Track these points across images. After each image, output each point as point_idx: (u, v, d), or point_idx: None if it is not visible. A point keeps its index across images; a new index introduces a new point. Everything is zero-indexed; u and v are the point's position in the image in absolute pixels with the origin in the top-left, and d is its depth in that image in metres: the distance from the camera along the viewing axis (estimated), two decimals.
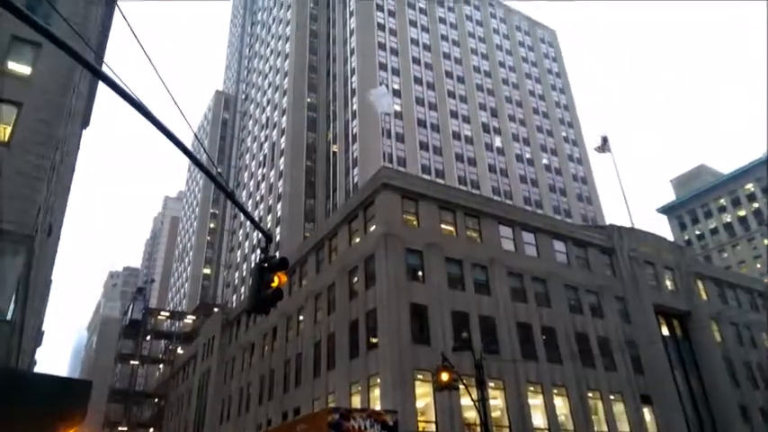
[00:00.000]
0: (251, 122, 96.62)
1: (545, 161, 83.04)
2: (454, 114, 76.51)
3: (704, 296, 46.62)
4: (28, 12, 6.39)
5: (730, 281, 51.30)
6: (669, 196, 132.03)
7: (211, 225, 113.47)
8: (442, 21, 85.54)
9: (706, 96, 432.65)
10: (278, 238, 68.12)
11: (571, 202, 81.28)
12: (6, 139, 19.73)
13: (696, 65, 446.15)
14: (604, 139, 48.74)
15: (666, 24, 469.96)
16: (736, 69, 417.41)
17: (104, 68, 7.86)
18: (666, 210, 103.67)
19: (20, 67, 22.38)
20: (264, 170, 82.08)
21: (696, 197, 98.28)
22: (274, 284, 9.58)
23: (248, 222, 74.42)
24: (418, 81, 75.55)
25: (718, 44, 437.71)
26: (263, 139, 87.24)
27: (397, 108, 70.43)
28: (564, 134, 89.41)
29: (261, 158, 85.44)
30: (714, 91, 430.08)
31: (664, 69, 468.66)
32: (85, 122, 41.77)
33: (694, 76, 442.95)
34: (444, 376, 20.76)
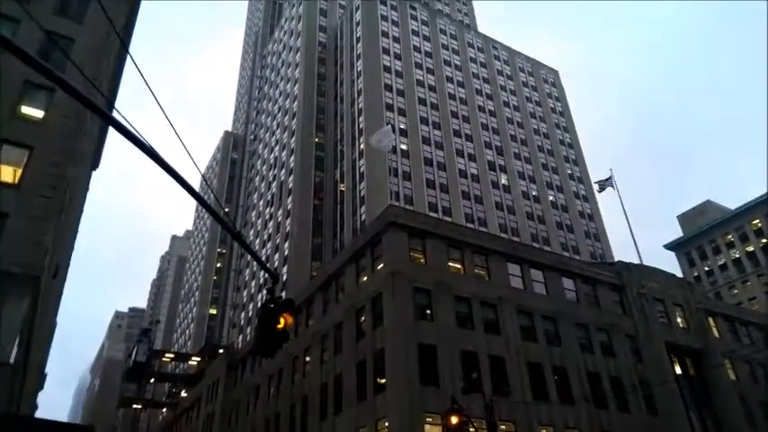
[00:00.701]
0: (259, 162, 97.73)
1: (551, 198, 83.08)
2: (460, 153, 77.13)
3: (716, 333, 45.64)
4: (40, 60, 6.52)
5: (742, 318, 50.30)
6: (676, 232, 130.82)
7: (218, 264, 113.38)
8: (447, 63, 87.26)
9: (708, 132, 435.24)
10: (284, 277, 67.83)
11: (579, 239, 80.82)
12: (17, 181, 19.98)
13: (698, 101, 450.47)
14: (608, 178, 48.77)
15: (670, 62, 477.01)
16: (738, 106, 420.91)
17: (115, 113, 7.98)
18: (674, 246, 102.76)
19: (33, 111, 22.88)
20: (272, 209, 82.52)
21: (703, 233, 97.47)
22: (280, 325, 9.43)
23: (255, 262, 74.37)
24: (424, 121, 76.54)
25: (721, 82, 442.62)
26: (270, 178, 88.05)
27: (404, 147, 71.16)
28: (569, 171, 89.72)
29: (269, 197, 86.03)
30: (716, 126, 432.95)
31: (666, 105, 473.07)
32: (95, 164, 42.36)
33: (696, 111, 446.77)
34: (454, 419, 20.21)
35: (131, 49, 36.06)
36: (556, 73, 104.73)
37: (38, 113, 22.75)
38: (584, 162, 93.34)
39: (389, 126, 66.25)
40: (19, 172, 20.00)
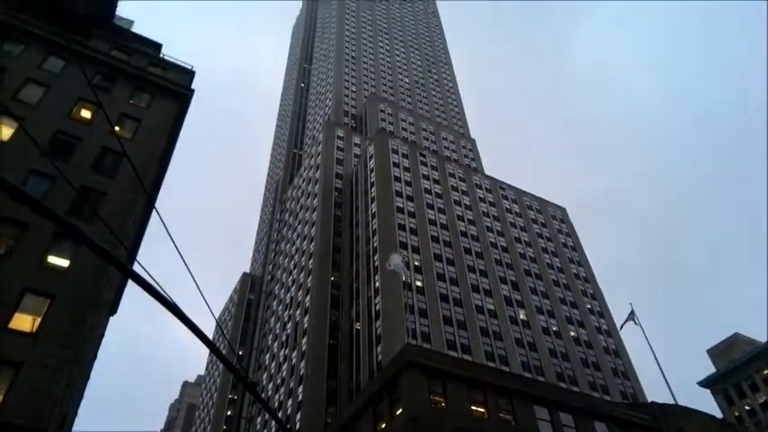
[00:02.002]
0: (275, 302, 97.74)
1: (573, 333, 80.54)
2: (476, 288, 76.75)
3: None
4: (65, 217, 6.99)
5: None
6: (705, 366, 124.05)
7: (228, 412, 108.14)
8: (457, 203, 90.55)
9: (728, 264, 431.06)
10: (298, 425, 64.23)
11: (607, 377, 76.77)
12: (34, 330, 20.11)
13: (707, 221, 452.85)
14: (630, 313, 47.65)
15: (676, 200, 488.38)
16: (738, 227, 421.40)
17: (136, 266, 8.33)
18: (708, 383, 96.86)
19: (59, 261, 23.72)
20: (286, 351, 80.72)
21: (737, 369, 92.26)
22: None
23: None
24: (438, 258, 77.43)
25: (731, 213, 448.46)
26: (286, 318, 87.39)
27: (419, 284, 71.19)
28: (588, 306, 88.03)
29: (283, 339, 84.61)
30: (734, 258, 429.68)
31: (680, 240, 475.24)
32: (113, 310, 42.72)
33: (710, 245, 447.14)
34: None
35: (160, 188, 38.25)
36: (563, 210, 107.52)
37: (63, 263, 23.58)
38: (602, 296, 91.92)
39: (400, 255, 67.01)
40: (38, 321, 20.23)
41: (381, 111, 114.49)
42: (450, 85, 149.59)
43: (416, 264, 73.94)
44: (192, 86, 37.92)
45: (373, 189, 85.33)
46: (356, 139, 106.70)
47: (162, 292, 7.46)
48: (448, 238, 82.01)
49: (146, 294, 7.68)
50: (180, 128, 36.96)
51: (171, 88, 35.96)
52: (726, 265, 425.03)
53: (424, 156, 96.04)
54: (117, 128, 32.06)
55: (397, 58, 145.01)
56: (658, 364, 45.22)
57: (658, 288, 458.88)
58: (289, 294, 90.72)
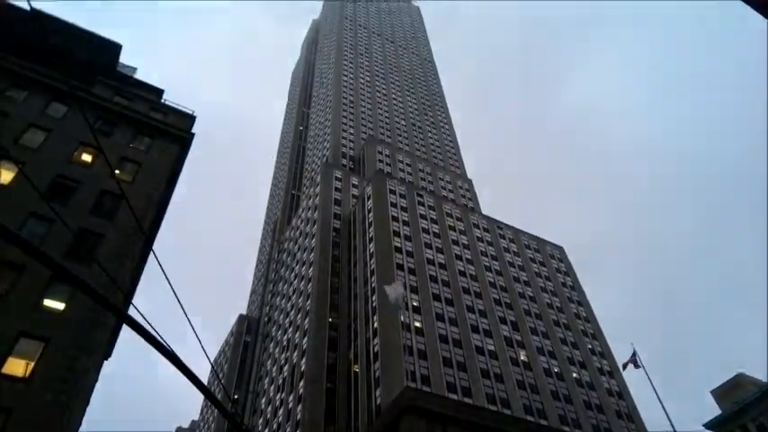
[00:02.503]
0: (272, 345, 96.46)
1: (575, 375, 79.27)
2: (475, 329, 75.99)
3: None
4: (59, 261, 7.08)
5: None
6: (710, 406, 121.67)
7: None
8: (455, 242, 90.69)
9: (729, 303, 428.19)
10: None
11: (611, 419, 75.14)
12: (27, 374, 19.87)
13: (700, 259, 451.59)
14: (632, 354, 47.10)
15: (677, 242, 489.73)
16: (739, 263, 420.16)
17: (132, 309, 8.39)
18: (716, 425, 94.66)
19: (54, 303, 23.65)
20: (283, 395, 79.13)
21: (744, 410, 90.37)
22: None
23: None
24: (437, 298, 76.98)
25: (732, 251, 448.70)
26: (282, 361, 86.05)
27: (418, 324, 70.52)
28: (590, 346, 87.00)
29: (280, 382, 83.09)
30: (736, 297, 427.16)
31: (680, 279, 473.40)
32: (107, 353, 42.14)
33: (711, 285, 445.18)
34: None
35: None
36: (561, 249, 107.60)
37: (59, 306, 23.50)
38: (602, 336, 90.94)
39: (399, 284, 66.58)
40: (31, 366, 20.01)
41: (379, 152, 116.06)
42: (447, 127, 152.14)
43: (415, 304, 73.48)
44: (193, 130, 38.62)
45: (371, 229, 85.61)
46: (354, 180, 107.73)
47: (157, 336, 7.49)
48: (446, 278, 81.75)
49: (133, 336, 7.70)
50: (180, 171, 37.42)
51: (171, 132, 36.63)
52: (727, 303, 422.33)
53: (421, 196, 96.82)
54: (117, 171, 32.48)
55: (394, 102, 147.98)
56: (663, 407, 44.37)
57: (659, 327, 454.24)
58: (286, 336, 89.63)
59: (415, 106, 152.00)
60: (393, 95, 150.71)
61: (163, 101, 40.66)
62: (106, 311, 25.86)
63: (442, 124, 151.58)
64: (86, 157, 32.49)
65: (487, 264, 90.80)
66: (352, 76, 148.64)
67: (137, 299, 35.21)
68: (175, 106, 40.12)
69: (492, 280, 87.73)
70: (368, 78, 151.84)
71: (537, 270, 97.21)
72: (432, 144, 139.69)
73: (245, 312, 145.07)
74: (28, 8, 35.09)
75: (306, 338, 79.28)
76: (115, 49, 38.80)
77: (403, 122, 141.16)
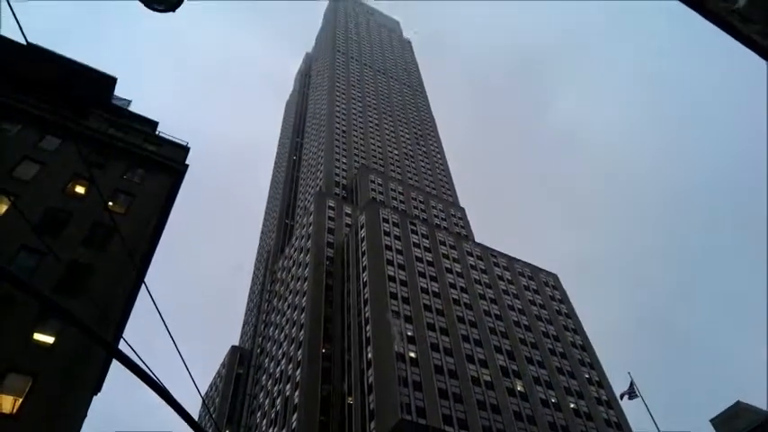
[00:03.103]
0: (264, 377, 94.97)
1: (572, 405, 78.37)
2: (471, 359, 75.27)
3: None
4: (47, 295, 7.09)
5: None
6: None
7: None
8: (449, 270, 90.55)
9: (727, 329, 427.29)
10: None
11: None
12: (15, 411, 19.49)
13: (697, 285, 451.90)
14: (630, 384, 46.73)
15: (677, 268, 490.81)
16: (737, 284, 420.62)
17: (122, 343, 8.34)
18: None
19: (44, 337, 23.35)
20: (276, 429, 77.56)
21: None
22: None
23: None
24: (431, 327, 76.42)
25: (729, 275, 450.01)
26: (275, 393, 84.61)
27: (413, 355, 69.80)
28: (587, 376, 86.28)
29: (272, 416, 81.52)
30: (733, 323, 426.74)
31: (677, 303, 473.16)
32: (97, 388, 41.34)
33: (710, 308, 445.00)
34: None
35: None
36: (555, 276, 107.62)
37: (48, 339, 23.19)
38: (599, 365, 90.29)
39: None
40: (19, 401, 19.63)
41: (372, 181, 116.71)
42: (438, 155, 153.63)
43: (409, 334, 72.87)
44: (186, 161, 38.81)
45: (364, 258, 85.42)
46: (347, 209, 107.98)
47: (147, 371, 7.43)
48: (441, 307, 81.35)
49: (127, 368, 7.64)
50: (173, 202, 37.44)
51: (165, 164, 36.80)
52: (725, 329, 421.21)
53: (414, 224, 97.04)
54: (110, 203, 32.48)
55: (386, 132, 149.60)
56: None
57: (656, 352, 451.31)
58: (279, 368, 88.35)
59: (407, 136, 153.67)
60: (385, 125, 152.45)
61: (157, 132, 40.94)
62: (96, 345, 25.55)
63: (433, 153, 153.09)
64: (79, 189, 32.51)
65: (482, 292, 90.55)
66: (344, 106, 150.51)
67: (127, 329, 34.77)
68: (169, 138, 40.40)
69: (487, 308, 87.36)
70: (360, 109, 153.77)
71: (531, 298, 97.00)
72: (424, 173, 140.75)
73: (237, 343, 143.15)
74: (24, 42, 35.56)
75: (299, 370, 78.20)
76: (110, 82, 39.22)
77: (395, 152, 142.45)
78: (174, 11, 6.48)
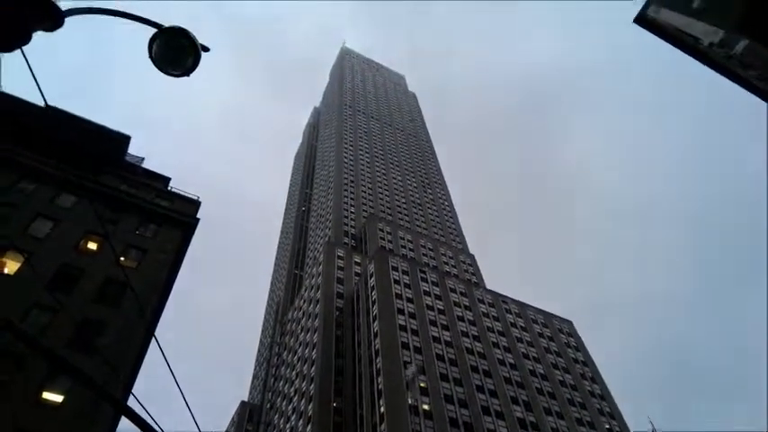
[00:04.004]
0: None
1: None
2: (486, 411, 73.07)
3: None
4: (62, 356, 7.14)
5: None
6: None
7: None
8: (461, 319, 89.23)
9: (754, 367, 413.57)
10: None
11: None
12: None
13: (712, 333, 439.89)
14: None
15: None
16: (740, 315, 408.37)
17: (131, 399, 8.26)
18: None
19: (52, 396, 23.09)
20: None
21: None
22: None
23: None
24: (444, 378, 74.67)
25: (753, 310, 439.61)
26: None
27: (426, 407, 67.93)
28: (607, 426, 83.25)
29: None
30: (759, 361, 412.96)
31: (698, 344, 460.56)
32: None
33: (736, 345, 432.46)
34: None
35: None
36: (570, 323, 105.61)
37: (57, 398, 22.93)
38: (620, 414, 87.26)
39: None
40: None
41: (380, 230, 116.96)
42: (446, 203, 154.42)
43: (422, 385, 71.14)
44: (198, 214, 39.32)
45: (375, 307, 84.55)
46: (356, 258, 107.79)
47: (157, 428, 7.35)
48: (453, 356, 79.69)
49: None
50: (184, 255, 37.70)
51: (176, 218, 37.28)
52: (752, 368, 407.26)
53: (424, 272, 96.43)
54: (122, 258, 32.77)
55: (394, 181, 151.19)
56: None
57: (677, 394, 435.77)
58: (288, 425, 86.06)
59: (415, 184, 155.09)
60: (392, 175, 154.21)
61: (169, 188, 41.69)
62: (106, 402, 25.19)
63: (441, 200, 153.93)
64: (92, 246, 32.89)
65: (495, 340, 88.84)
66: (352, 157, 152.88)
67: (136, 382, 34.30)
68: (181, 193, 41.10)
69: (501, 357, 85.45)
70: (368, 159, 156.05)
71: (546, 345, 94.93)
72: (432, 220, 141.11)
73: (246, 398, 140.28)
74: (43, 104, 36.89)
75: (309, 426, 76.12)
76: (124, 140, 40.33)
77: (403, 200, 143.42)
78: (188, 75, 6.79)
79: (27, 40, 4.79)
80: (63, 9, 5.03)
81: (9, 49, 4.86)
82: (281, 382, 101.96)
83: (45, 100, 8.39)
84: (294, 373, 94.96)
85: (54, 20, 4.91)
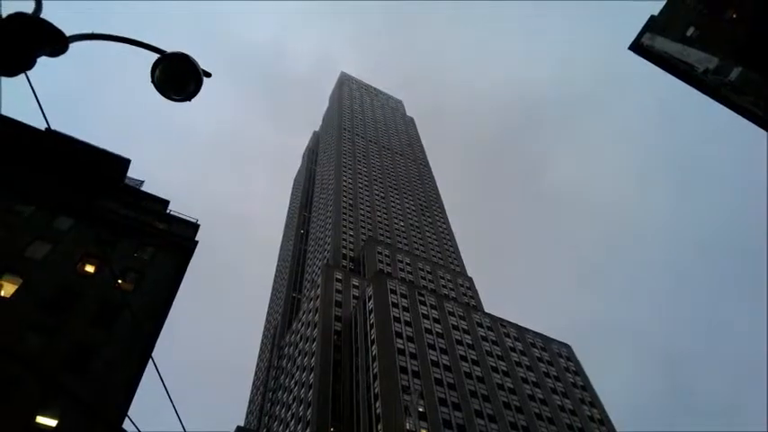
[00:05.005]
0: None
1: None
2: None
3: None
4: (57, 379, 7.09)
5: None
6: None
7: None
8: (459, 342, 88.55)
9: (754, 392, 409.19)
10: None
11: None
12: None
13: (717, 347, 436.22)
14: None
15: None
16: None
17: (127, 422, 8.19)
18: None
19: (46, 420, 22.74)
20: None
21: None
22: None
23: None
24: (443, 402, 73.77)
25: (753, 333, 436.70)
26: None
27: None
28: None
29: None
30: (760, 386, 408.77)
31: (697, 369, 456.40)
32: None
33: (735, 372, 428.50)
34: None
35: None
36: (568, 347, 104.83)
37: (51, 422, 22.59)
38: None
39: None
40: None
41: (379, 253, 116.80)
42: (444, 226, 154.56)
43: (420, 410, 70.22)
44: (196, 237, 39.26)
45: (373, 331, 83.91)
46: (355, 281, 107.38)
47: None
48: (452, 380, 78.86)
49: None
50: (182, 277, 37.52)
51: (175, 241, 37.23)
52: (752, 393, 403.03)
53: (422, 295, 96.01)
54: (120, 281, 32.61)
55: (392, 204, 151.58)
56: None
57: (674, 418, 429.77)
58: None
59: (413, 207, 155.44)
60: (391, 198, 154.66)
61: (168, 211, 41.72)
62: (101, 424, 24.79)
63: (439, 223, 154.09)
64: (89, 268, 32.77)
65: (494, 364, 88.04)
66: (350, 180, 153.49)
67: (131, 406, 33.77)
68: (180, 216, 41.11)
69: (500, 382, 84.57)
70: (366, 183, 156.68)
71: (545, 370, 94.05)
72: (430, 243, 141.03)
73: (242, 423, 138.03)
74: (43, 128, 37.12)
75: None
76: (124, 163, 40.50)
77: (401, 223, 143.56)
78: (189, 100, 6.88)
79: (31, 65, 4.86)
80: (68, 35, 5.12)
81: (13, 74, 4.93)
82: (278, 407, 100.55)
83: (48, 123, 8.48)
84: (291, 397, 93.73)
85: (59, 45, 5.00)
